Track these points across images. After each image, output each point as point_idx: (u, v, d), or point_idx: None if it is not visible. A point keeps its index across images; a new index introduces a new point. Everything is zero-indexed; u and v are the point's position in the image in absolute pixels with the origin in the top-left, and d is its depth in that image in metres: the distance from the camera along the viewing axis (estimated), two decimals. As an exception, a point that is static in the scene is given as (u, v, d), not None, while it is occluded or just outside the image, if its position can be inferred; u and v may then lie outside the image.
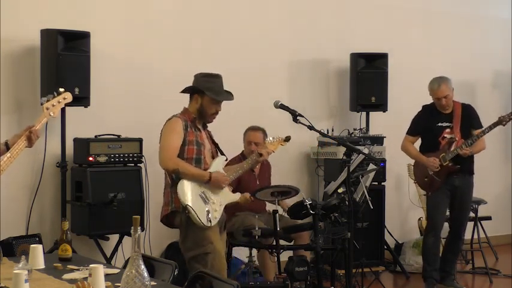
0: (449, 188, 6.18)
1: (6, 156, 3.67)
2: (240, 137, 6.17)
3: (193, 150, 4.81)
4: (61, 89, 4.00)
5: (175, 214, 4.81)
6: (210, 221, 4.71)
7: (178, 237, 4.94)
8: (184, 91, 4.97)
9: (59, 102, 3.90)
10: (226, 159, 5.11)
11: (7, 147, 3.91)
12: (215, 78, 4.94)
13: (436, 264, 6.25)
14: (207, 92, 4.84)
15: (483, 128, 6.10)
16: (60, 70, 5.54)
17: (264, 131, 6.21)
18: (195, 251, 4.73)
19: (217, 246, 4.77)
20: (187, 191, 4.71)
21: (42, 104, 3.92)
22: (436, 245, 6.27)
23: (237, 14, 6.94)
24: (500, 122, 6.09)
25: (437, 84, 6.12)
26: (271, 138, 5.18)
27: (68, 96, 4.00)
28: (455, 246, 6.37)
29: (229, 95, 4.98)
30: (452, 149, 6.07)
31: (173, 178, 4.77)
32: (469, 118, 6.20)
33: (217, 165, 4.92)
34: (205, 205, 4.74)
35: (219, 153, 5.04)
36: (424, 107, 6.36)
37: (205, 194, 4.78)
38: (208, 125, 5.05)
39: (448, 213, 6.36)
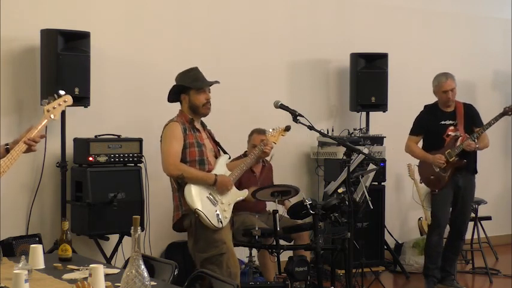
0: (453, 187, 6.18)
1: (8, 158, 3.65)
2: (240, 136, 6.16)
3: (195, 152, 4.79)
4: (61, 92, 3.97)
5: (185, 217, 4.79)
6: (221, 222, 4.70)
7: (187, 240, 4.90)
8: (170, 99, 4.98)
9: (59, 104, 3.84)
10: (230, 158, 5.07)
11: (7, 151, 3.88)
12: (191, 71, 4.94)
13: (438, 262, 6.25)
14: (189, 85, 4.83)
15: (489, 120, 6.06)
16: (60, 70, 5.53)
17: None
18: (209, 253, 4.70)
19: (230, 246, 4.77)
20: (195, 195, 4.69)
21: (42, 105, 3.89)
22: (440, 244, 6.26)
23: (237, 14, 6.93)
24: (506, 112, 6.10)
25: (445, 77, 6.16)
26: (271, 130, 5.11)
27: (68, 99, 3.91)
28: (456, 246, 6.36)
29: (211, 81, 4.94)
30: (458, 144, 6.07)
31: (178, 183, 4.74)
32: (471, 117, 6.21)
33: (221, 165, 4.90)
34: (215, 207, 4.73)
35: (221, 152, 5.01)
36: (427, 106, 6.35)
37: (212, 195, 4.76)
38: (207, 124, 5.04)
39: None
